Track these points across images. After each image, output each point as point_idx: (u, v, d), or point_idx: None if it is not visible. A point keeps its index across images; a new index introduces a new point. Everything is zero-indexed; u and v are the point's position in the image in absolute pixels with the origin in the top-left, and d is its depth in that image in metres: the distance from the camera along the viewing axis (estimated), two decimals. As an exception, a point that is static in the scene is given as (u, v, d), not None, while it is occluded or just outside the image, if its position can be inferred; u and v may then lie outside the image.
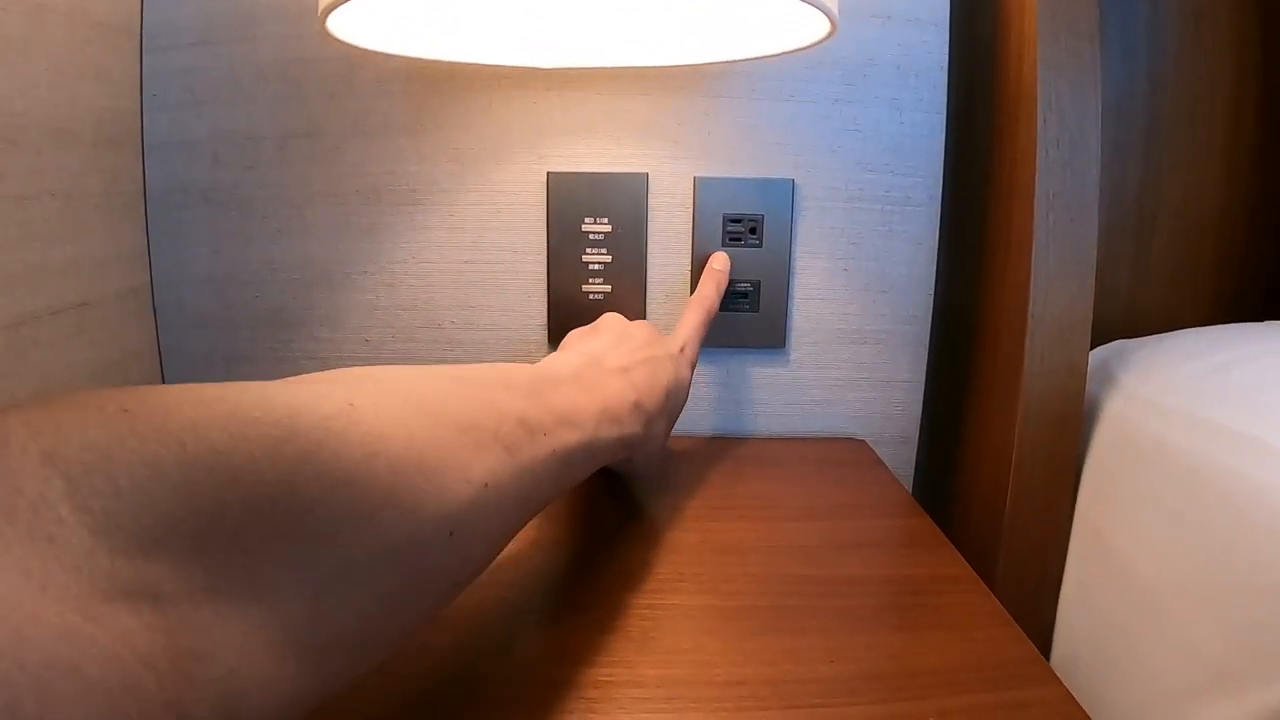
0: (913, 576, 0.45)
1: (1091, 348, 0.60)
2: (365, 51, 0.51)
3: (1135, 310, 0.76)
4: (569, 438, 0.36)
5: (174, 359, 0.67)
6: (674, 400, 0.49)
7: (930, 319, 0.67)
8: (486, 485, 0.29)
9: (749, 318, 0.65)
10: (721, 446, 0.65)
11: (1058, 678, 0.36)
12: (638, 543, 0.48)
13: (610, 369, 0.43)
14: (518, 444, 0.32)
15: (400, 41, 0.52)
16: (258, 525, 0.20)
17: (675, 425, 0.52)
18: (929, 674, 0.36)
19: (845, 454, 0.64)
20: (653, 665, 0.36)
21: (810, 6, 0.38)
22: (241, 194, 0.64)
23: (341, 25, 0.45)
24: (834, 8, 0.39)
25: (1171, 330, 0.67)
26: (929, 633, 0.39)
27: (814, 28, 0.45)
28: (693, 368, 0.53)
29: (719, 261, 0.62)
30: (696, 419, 0.68)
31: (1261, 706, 0.40)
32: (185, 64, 0.62)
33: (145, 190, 0.64)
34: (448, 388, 0.31)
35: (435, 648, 0.31)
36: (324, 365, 0.66)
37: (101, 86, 0.59)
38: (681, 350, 0.52)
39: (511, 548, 0.38)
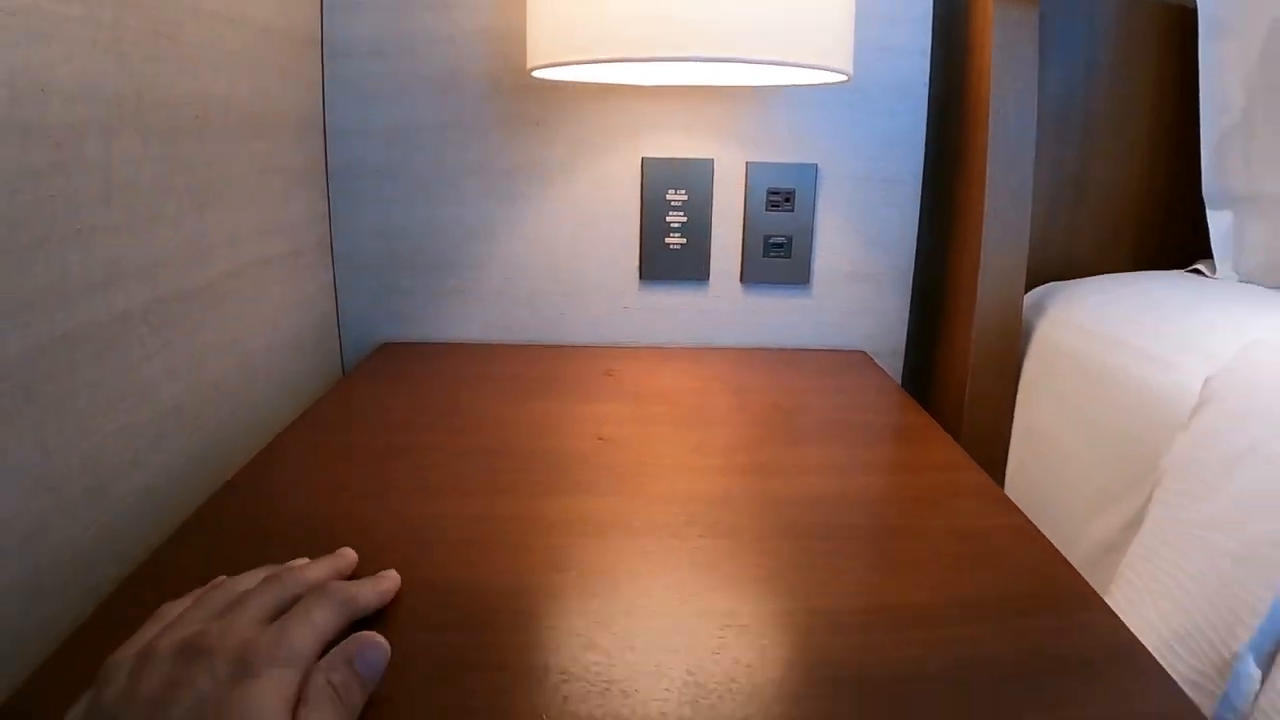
0: (931, 483, 0.54)
1: (1032, 289, 0.78)
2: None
3: (1069, 264, 0.90)
4: None
5: (347, 294, 0.86)
6: None
7: (913, 266, 0.87)
8: None
9: (784, 262, 0.86)
10: (761, 356, 0.84)
11: (1088, 582, 0.43)
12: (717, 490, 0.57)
13: None
14: None
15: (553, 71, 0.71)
16: None
17: (721, 339, 0.70)
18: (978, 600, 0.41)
19: (853, 362, 0.83)
20: (811, 596, 0.41)
21: (834, 73, 0.60)
22: (408, 169, 0.83)
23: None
24: (849, 67, 0.61)
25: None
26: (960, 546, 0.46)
27: (837, 75, 0.66)
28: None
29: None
30: (745, 335, 0.88)
31: (1126, 513, 0.59)
32: (361, 70, 0.81)
33: (327, 166, 0.83)
34: None
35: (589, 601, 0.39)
36: (468, 299, 0.87)
37: (299, 86, 0.75)
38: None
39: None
